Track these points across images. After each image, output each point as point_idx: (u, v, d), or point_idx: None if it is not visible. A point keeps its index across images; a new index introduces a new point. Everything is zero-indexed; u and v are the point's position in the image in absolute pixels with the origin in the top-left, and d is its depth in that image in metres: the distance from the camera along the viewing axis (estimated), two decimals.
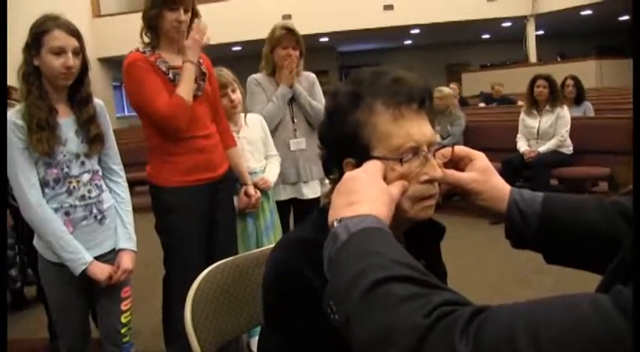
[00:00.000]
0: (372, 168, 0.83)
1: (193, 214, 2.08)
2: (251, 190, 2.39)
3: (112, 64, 12.67)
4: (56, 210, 1.74)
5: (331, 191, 0.91)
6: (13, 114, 1.69)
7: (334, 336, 0.81)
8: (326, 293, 0.67)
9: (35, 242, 1.81)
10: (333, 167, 0.93)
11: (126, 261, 1.84)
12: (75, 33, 1.74)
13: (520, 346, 0.48)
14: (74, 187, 1.76)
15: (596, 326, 0.47)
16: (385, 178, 0.84)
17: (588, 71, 10.47)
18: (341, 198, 0.77)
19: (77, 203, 1.77)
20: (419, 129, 0.87)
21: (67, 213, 1.76)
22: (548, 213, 0.86)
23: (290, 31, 2.68)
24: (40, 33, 1.69)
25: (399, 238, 0.95)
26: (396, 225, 0.88)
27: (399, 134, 0.86)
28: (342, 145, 0.89)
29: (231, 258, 1.26)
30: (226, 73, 2.46)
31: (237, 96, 2.47)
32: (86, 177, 1.79)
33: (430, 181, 0.88)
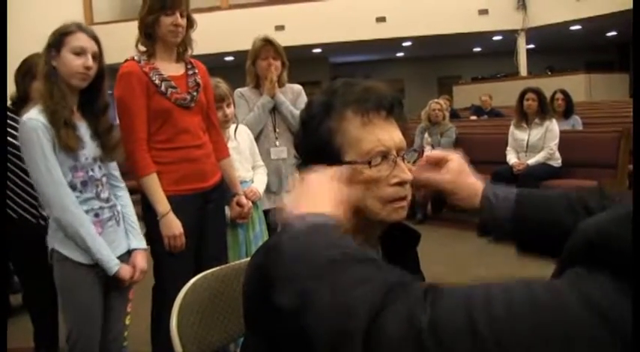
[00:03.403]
0: (332, 172, 0.85)
1: (184, 224, 2.07)
2: (243, 200, 2.39)
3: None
4: (86, 212, 1.76)
5: None
6: (39, 115, 1.68)
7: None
8: (271, 276, 0.68)
9: (59, 244, 1.77)
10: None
11: (141, 261, 1.90)
12: (96, 39, 1.79)
13: (475, 314, 0.51)
14: (100, 190, 1.81)
15: (547, 300, 0.50)
16: (353, 182, 0.88)
17: (578, 85, 10.59)
18: (298, 197, 0.79)
19: (104, 205, 1.82)
20: (388, 134, 0.92)
21: (96, 215, 1.79)
22: (520, 213, 0.89)
23: (268, 42, 2.72)
24: (63, 34, 1.73)
25: (375, 243, 0.99)
26: (369, 227, 0.93)
27: (369, 139, 0.90)
28: (316, 152, 0.93)
29: (218, 267, 1.26)
30: (224, 87, 2.48)
31: (230, 110, 2.49)
32: (105, 179, 1.85)
33: (400, 183, 0.91)
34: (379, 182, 0.90)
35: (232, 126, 2.55)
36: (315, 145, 0.93)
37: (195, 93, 2.14)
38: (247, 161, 2.59)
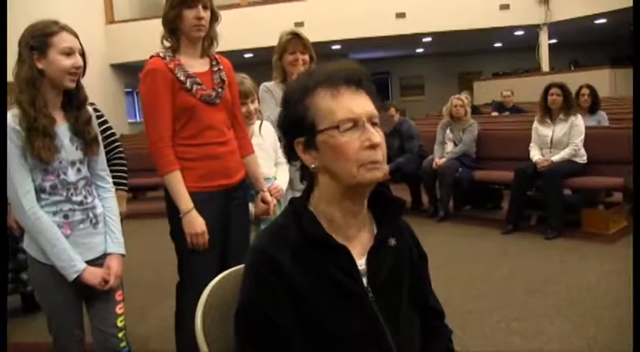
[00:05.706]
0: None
1: (207, 221, 2.07)
2: (268, 197, 2.37)
3: (125, 69, 12.78)
4: (55, 214, 1.74)
5: (301, 176, 1.10)
6: (12, 120, 1.67)
7: (300, 315, 0.98)
8: None
9: (26, 245, 1.79)
10: (291, 151, 1.07)
11: (115, 266, 1.86)
12: (77, 36, 1.77)
13: None
14: (72, 193, 1.78)
15: None
16: (328, 149, 0.99)
17: (602, 80, 10.36)
18: None
19: (76, 207, 1.79)
20: (357, 103, 1.01)
21: (65, 216, 1.77)
22: None
23: (296, 36, 2.69)
24: (47, 35, 1.69)
25: (359, 209, 1.06)
26: (350, 191, 1.02)
27: (338, 108, 1.00)
28: (294, 127, 1.04)
29: (242, 265, 1.25)
30: (249, 83, 2.46)
31: (255, 107, 2.48)
32: (82, 183, 1.82)
33: (372, 147, 0.98)
34: (351, 146, 0.98)
35: (257, 123, 2.54)
36: (292, 121, 1.04)
37: (220, 90, 2.13)
38: (270, 158, 2.57)
